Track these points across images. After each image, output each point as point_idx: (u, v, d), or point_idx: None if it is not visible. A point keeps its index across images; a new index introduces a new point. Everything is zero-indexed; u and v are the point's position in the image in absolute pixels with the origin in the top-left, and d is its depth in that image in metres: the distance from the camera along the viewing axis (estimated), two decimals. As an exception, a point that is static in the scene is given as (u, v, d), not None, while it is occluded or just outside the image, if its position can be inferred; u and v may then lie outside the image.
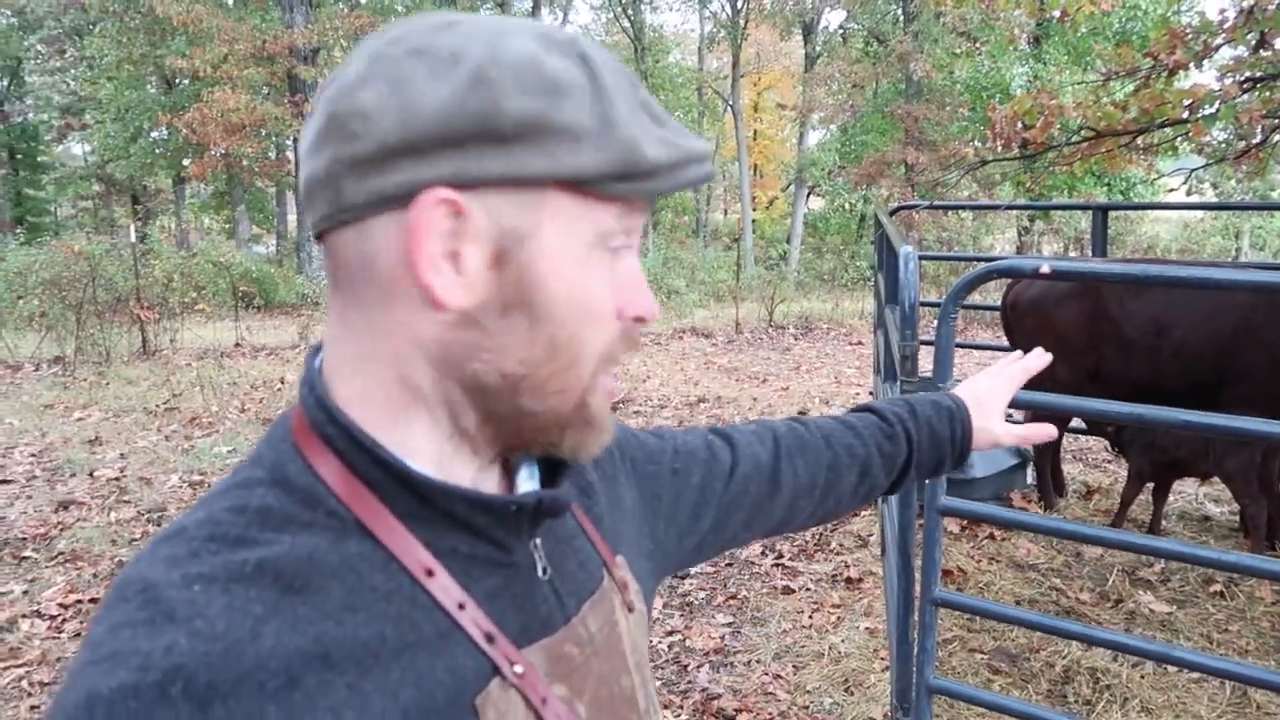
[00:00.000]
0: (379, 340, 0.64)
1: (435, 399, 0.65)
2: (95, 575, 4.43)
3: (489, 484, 0.70)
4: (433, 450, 0.66)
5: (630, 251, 0.68)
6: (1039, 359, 1.24)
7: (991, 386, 1.19)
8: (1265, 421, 2.04)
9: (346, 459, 0.63)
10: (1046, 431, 1.19)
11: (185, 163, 21.06)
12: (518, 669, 0.64)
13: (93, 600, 4.16)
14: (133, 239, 12.51)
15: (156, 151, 22.42)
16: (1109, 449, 4.91)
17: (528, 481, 0.74)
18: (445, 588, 0.63)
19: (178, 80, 21.82)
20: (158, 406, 7.79)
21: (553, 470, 0.75)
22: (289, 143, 20.51)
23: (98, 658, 0.53)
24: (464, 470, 0.68)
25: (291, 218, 23.73)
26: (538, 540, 0.71)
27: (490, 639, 0.64)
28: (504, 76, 0.60)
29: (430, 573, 0.63)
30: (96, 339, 9.96)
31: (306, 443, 0.65)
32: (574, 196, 0.62)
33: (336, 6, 20.50)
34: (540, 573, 0.70)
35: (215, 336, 11.58)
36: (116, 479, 5.86)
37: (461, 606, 0.63)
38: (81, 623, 3.95)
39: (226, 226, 25.22)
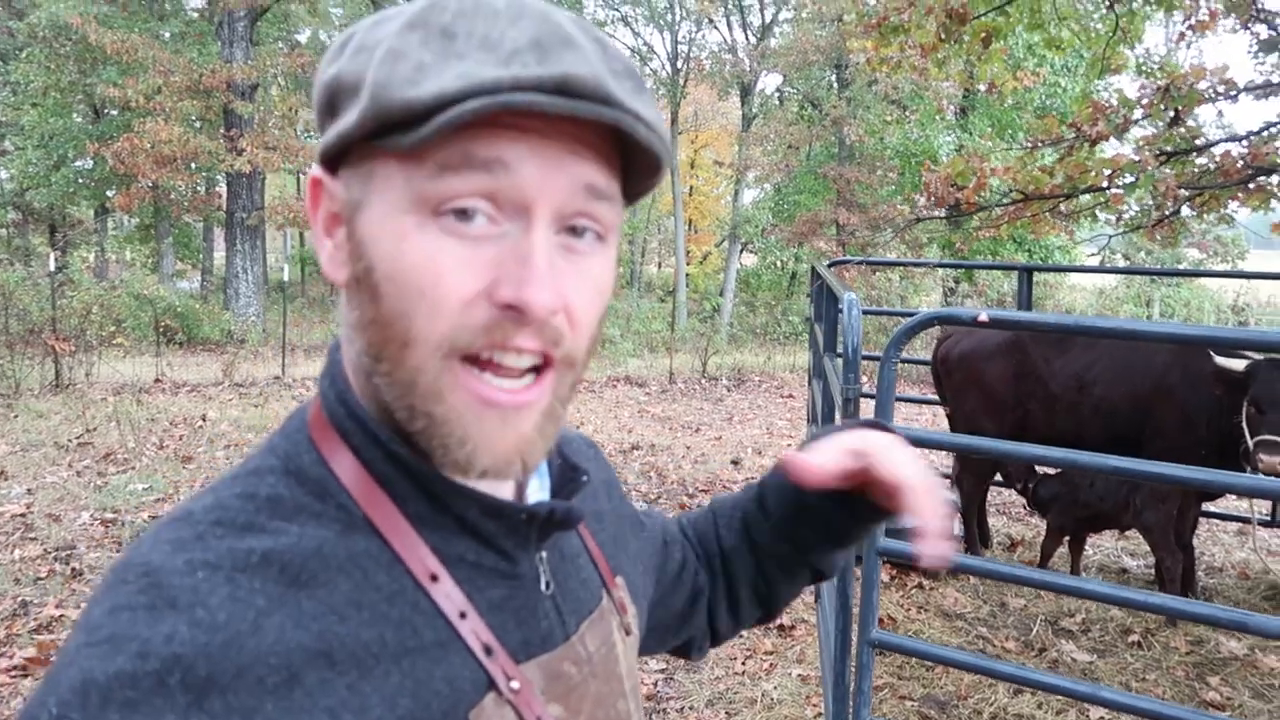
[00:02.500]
0: (342, 327, 0.65)
1: (364, 388, 0.64)
2: (-5, 614, 4.18)
3: (500, 492, 0.68)
4: None
5: (518, 225, 0.58)
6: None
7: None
8: (1186, 468, 2.13)
9: (361, 455, 0.62)
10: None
11: (110, 193, 20.49)
12: (514, 684, 0.62)
13: (-9, 641, 3.93)
14: (51, 268, 12.08)
15: (80, 181, 21.79)
16: (1025, 506, 5.04)
17: (537, 494, 0.73)
18: (448, 594, 0.61)
19: (106, 109, 21.32)
20: (70, 441, 7.45)
21: (565, 486, 0.74)
22: (220, 177, 20.12)
23: (95, 640, 0.51)
24: None
25: (219, 254, 23.13)
26: (543, 553, 0.69)
27: (489, 651, 0.62)
28: (337, 46, 0.62)
29: (434, 578, 0.61)
30: (5, 370, 9.54)
31: (322, 435, 0.63)
32: (393, 161, 0.58)
33: (276, 45, 20.38)
34: (544, 587, 0.68)
35: (135, 371, 11.18)
36: (21, 515, 5.57)
37: (463, 615, 0.61)
38: (-22, 664, 3.72)
39: (150, 260, 24.49)
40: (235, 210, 17.75)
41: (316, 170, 0.64)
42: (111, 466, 6.79)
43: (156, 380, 10.74)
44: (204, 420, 8.48)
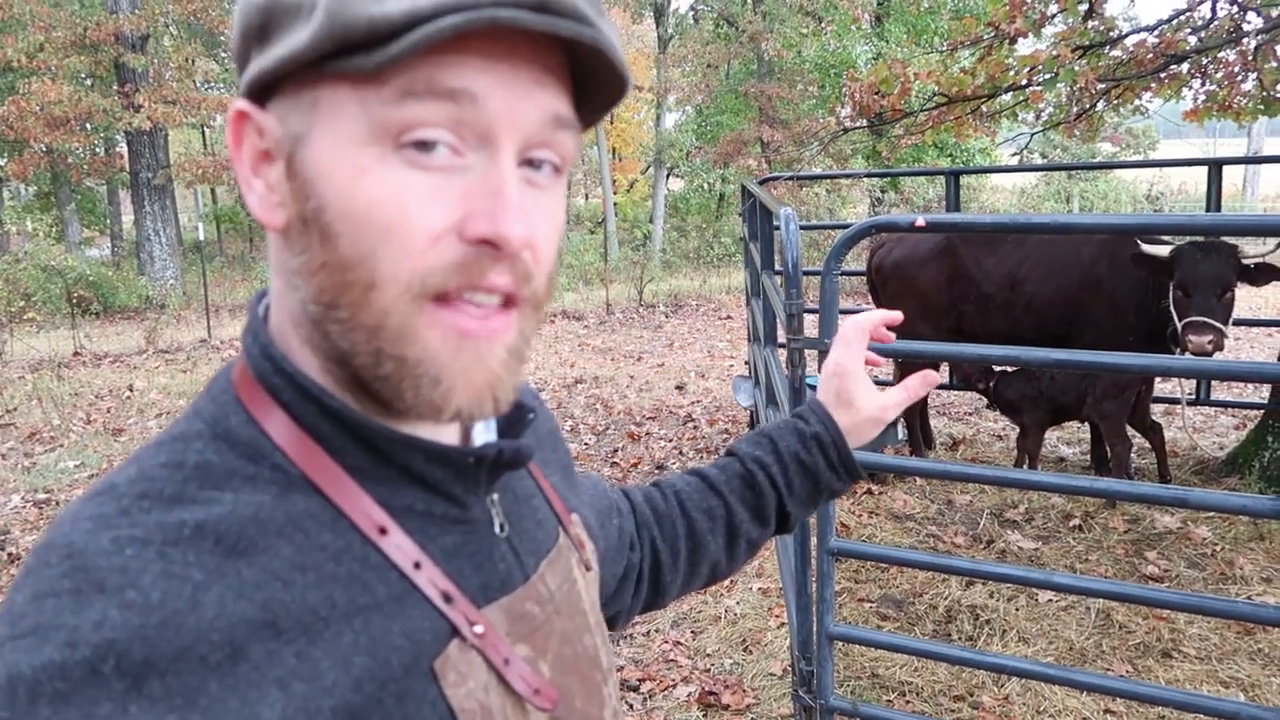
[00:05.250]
0: (275, 276, 0.62)
1: (311, 338, 0.60)
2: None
3: (443, 438, 0.65)
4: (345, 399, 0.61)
5: (483, 156, 0.55)
6: (883, 314, 1.10)
7: (843, 354, 1.05)
8: (1125, 355, 2.18)
9: (293, 411, 0.59)
10: (928, 381, 1.09)
11: (1, 161, 19.40)
12: (478, 629, 0.61)
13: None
14: (-53, 245, 11.46)
15: (-34, 151, 20.57)
16: (988, 406, 5.10)
17: (484, 435, 0.70)
18: (399, 546, 0.59)
19: (-13, 72, 20.06)
20: (-10, 423, 7.17)
21: (512, 426, 0.71)
22: (119, 136, 19.14)
23: (18, 632, 0.47)
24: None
25: (127, 217, 22.13)
26: (495, 496, 0.68)
27: (448, 599, 0.60)
28: None
29: (383, 530, 0.58)
30: (-89, 355, 9.09)
31: (250, 395, 0.60)
32: (345, 87, 0.54)
33: (164, -10, 19.24)
34: (498, 529, 0.67)
35: (51, 346, 10.74)
36: (-52, 503, 5.36)
37: (417, 565, 0.59)
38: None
39: (54, 229, 23.35)
40: (139, 170, 16.92)
41: (242, 103, 0.59)
42: (38, 446, 6.56)
43: (75, 353, 10.35)
44: (131, 390, 8.21)
